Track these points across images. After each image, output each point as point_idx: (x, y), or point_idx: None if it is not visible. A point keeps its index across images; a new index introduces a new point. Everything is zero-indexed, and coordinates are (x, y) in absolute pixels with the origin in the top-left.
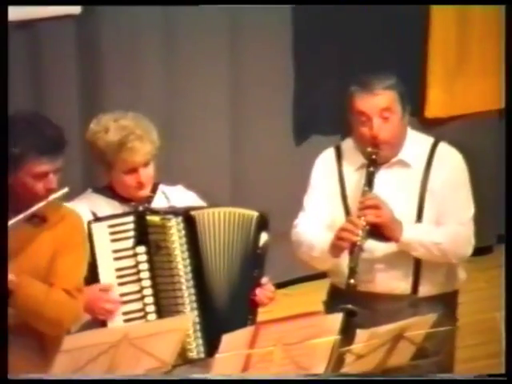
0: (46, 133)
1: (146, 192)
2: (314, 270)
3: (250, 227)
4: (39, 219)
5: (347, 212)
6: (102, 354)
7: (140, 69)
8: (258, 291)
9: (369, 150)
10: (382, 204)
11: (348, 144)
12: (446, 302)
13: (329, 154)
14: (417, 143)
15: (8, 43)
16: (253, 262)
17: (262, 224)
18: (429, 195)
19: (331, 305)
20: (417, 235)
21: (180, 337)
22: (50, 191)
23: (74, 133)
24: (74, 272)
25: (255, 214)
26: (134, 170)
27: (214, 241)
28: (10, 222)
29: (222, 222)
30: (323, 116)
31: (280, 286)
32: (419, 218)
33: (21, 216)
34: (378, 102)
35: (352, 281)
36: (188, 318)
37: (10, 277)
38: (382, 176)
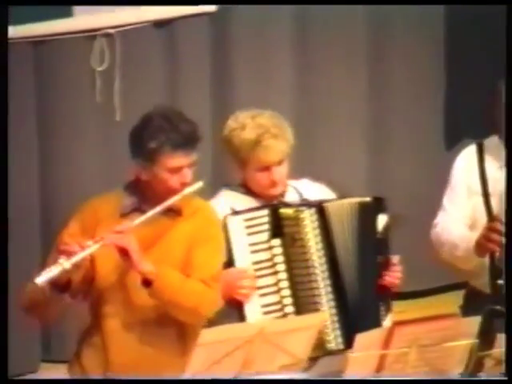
0: (181, 128)
1: (278, 190)
2: (451, 280)
3: (368, 213)
4: (174, 212)
5: (489, 210)
6: (238, 348)
7: (271, 66)
8: (385, 275)
9: None
10: None
11: (492, 141)
12: None
13: (471, 150)
14: None
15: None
16: (376, 248)
17: (379, 207)
18: None
19: (469, 309)
20: None
21: (314, 334)
22: (184, 185)
23: (206, 129)
24: (209, 263)
25: (370, 199)
26: (267, 169)
27: (343, 231)
28: (147, 215)
29: (350, 212)
30: (476, 118)
31: (418, 294)
32: None
33: (157, 209)
34: None
35: (501, 281)
36: (324, 316)
37: (149, 267)
38: None
